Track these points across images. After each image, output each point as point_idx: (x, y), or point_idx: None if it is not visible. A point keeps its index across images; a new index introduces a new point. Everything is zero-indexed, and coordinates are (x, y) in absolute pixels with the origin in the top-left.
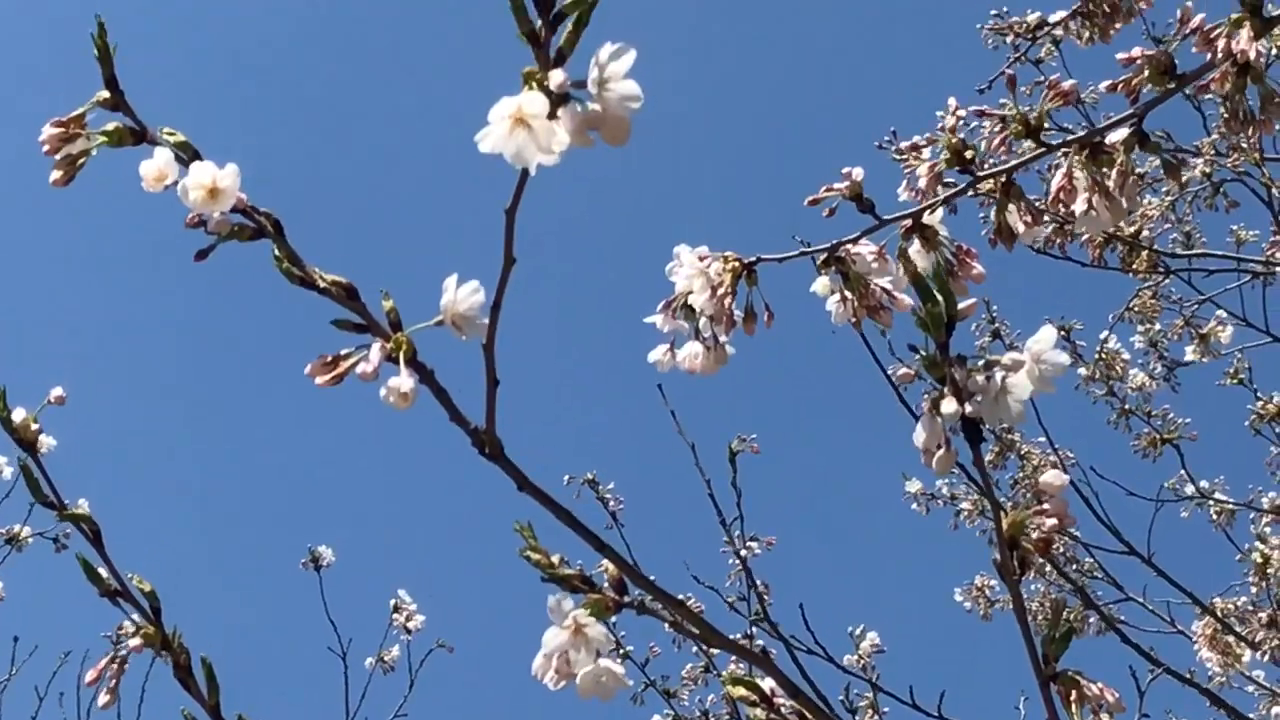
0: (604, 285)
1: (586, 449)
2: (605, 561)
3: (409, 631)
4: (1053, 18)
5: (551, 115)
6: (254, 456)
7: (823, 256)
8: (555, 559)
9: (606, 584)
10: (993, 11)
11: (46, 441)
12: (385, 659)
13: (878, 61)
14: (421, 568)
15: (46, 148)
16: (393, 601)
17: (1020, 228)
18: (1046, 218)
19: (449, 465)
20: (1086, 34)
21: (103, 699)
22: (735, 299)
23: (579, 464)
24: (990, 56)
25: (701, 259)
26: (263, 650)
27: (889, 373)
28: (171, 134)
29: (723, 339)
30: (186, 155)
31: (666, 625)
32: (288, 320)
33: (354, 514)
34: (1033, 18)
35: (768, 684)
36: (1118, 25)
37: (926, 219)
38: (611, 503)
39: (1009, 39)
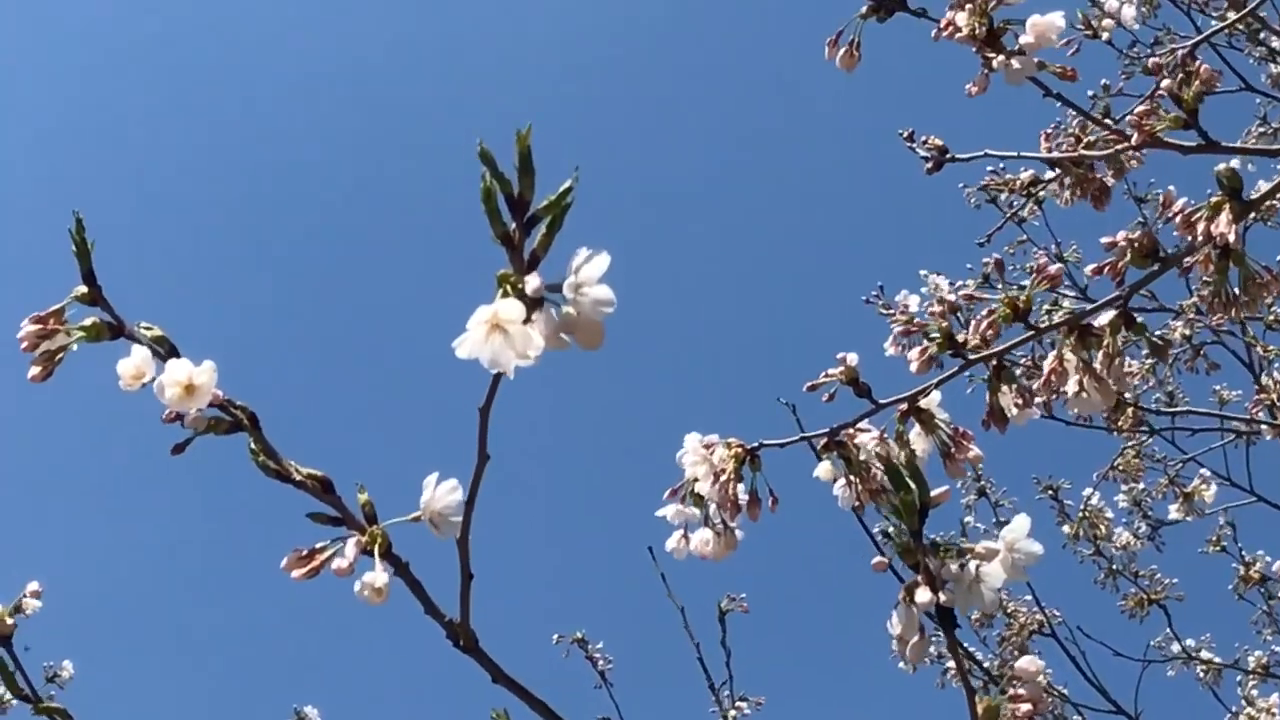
0: (595, 449)
1: (575, 609)
2: None
3: None
4: (1046, 175)
5: (527, 320)
6: (235, 637)
7: (823, 441)
8: None
9: None
10: (989, 169)
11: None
12: None
13: (860, 217)
14: None
15: (25, 344)
16: None
17: (1013, 410)
18: (1037, 400)
19: (425, 656)
20: (1068, 194)
21: None
22: (742, 483)
23: (567, 624)
24: (973, 215)
25: (706, 446)
26: None
27: (884, 551)
28: (149, 329)
29: (731, 524)
30: (163, 350)
31: None
32: (266, 512)
33: (335, 701)
34: (1026, 175)
35: None
36: (1106, 202)
37: (922, 403)
38: (600, 662)
39: (1004, 195)
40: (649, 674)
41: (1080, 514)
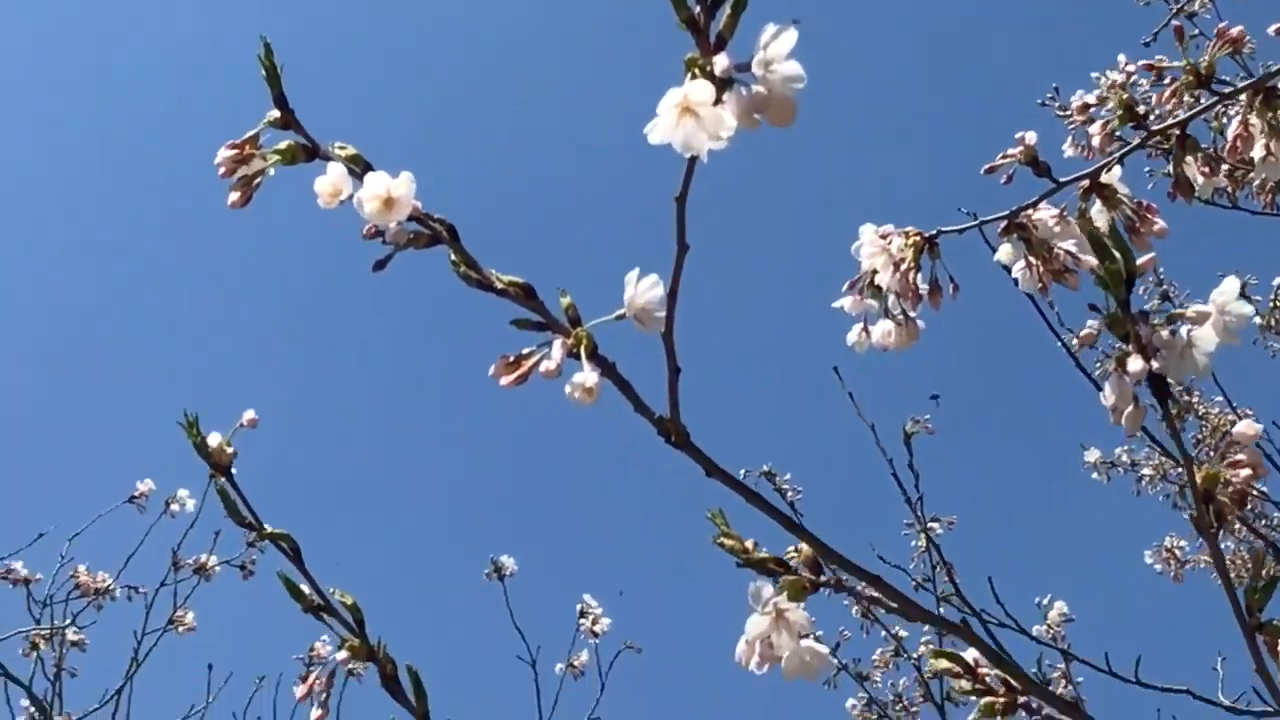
0: (773, 269)
1: (759, 440)
2: (800, 544)
3: (596, 635)
4: None
5: (717, 101)
6: (434, 467)
7: (1003, 224)
8: (748, 544)
9: (801, 565)
10: None
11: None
12: (574, 664)
13: (1034, 21)
14: (604, 570)
15: (222, 170)
16: (579, 606)
17: (1199, 179)
18: (1224, 167)
19: (628, 464)
20: None
21: (315, 714)
22: (919, 273)
23: (753, 456)
24: (1141, 14)
25: (883, 236)
26: (453, 662)
27: (1064, 341)
28: (343, 148)
29: (911, 314)
30: (359, 168)
31: (855, 610)
32: (465, 328)
33: (534, 522)
34: None
35: (970, 655)
36: None
37: (1104, 178)
38: (790, 493)
39: None
40: (837, 502)
41: (1271, 305)
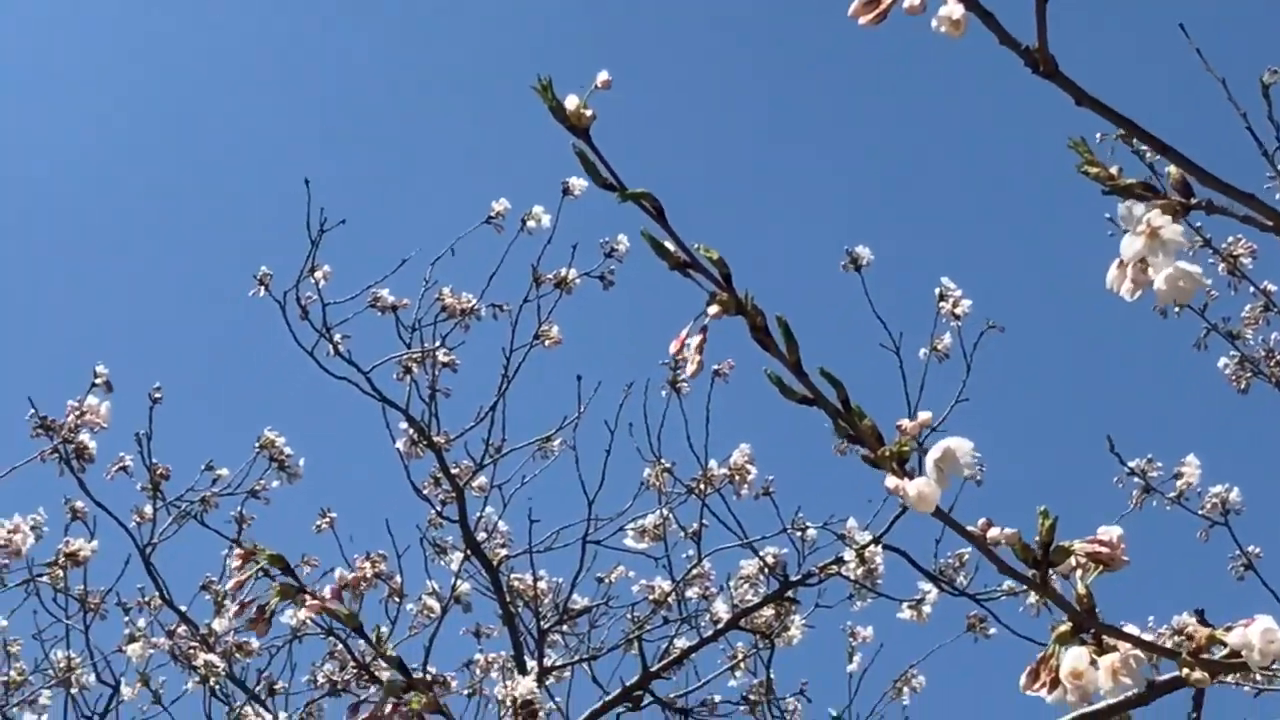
0: None
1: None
2: (1169, 167)
3: (957, 317)
4: None
5: None
6: (785, 152)
7: None
8: (1114, 170)
9: (1170, 188)
10: None
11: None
12: (938, 348)
13: None
14: (962, 251)
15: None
16: (938, 290)
17: None
18: None
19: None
20: None
21: (691, 368)
22: None
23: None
24: None
25: None
26: (816, 355)
27: None
28: None
29: None
30: None
31: (1221, 269)
32: None
33: (886, 207)
34: None
35: None
36: None
37: None
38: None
39: None
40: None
41: None
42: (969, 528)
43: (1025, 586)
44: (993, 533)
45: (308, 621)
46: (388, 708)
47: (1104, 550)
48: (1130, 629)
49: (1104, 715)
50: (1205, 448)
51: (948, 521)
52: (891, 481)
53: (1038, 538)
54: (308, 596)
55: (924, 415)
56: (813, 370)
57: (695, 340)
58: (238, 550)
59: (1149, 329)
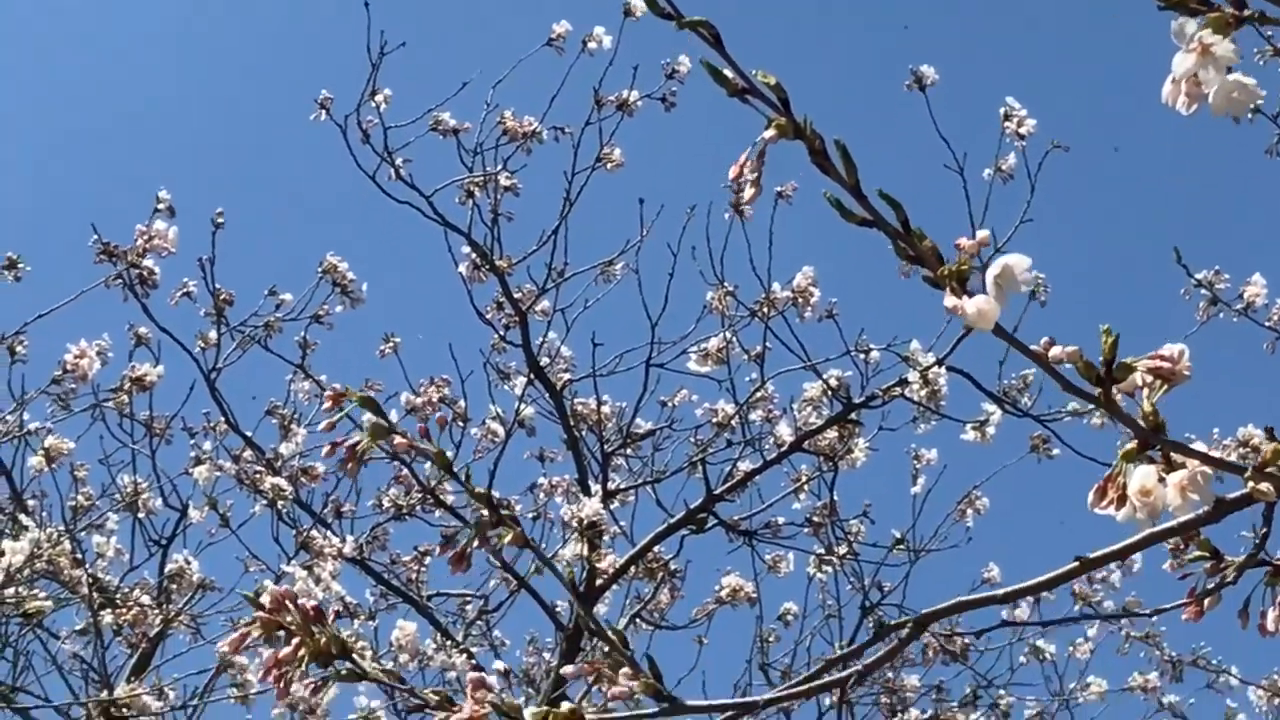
0: None
1: None
2: None
3: (1022, 138)
4: None
5: None
6: None
7: None
8: None
9: (1224, 1)
10: None
11: None
12: (1002, 169)
13: None
14: (1025, 71)
15: None
16: (1002, 110)
17: None
18: None
19: None
20: None
21: (749, 192)
22: None
23: None
24: None
25: None
26: (879, 178)
27: None
28: None
29: None
30: None
31: None
32: None
33: (955, 26)
34: None
35: None
36: None
37: None
38: None
39: None
40: None
41: None
42: (1031, 346)
43: (1090, 407)
44: (1055, 351)
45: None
46: (478, 543)
47: (1166, 366)
48: (1198, 446)
49: (1173, 534)
50: (1275, 258)
51: (1008, 340)
52: (951, 300)
53: (1101, 355)
54: (397, 436)
55: (983, 233)
56: (872, 192)
57: (753, 165)
58: (328, 392)
59: (1219, 139)
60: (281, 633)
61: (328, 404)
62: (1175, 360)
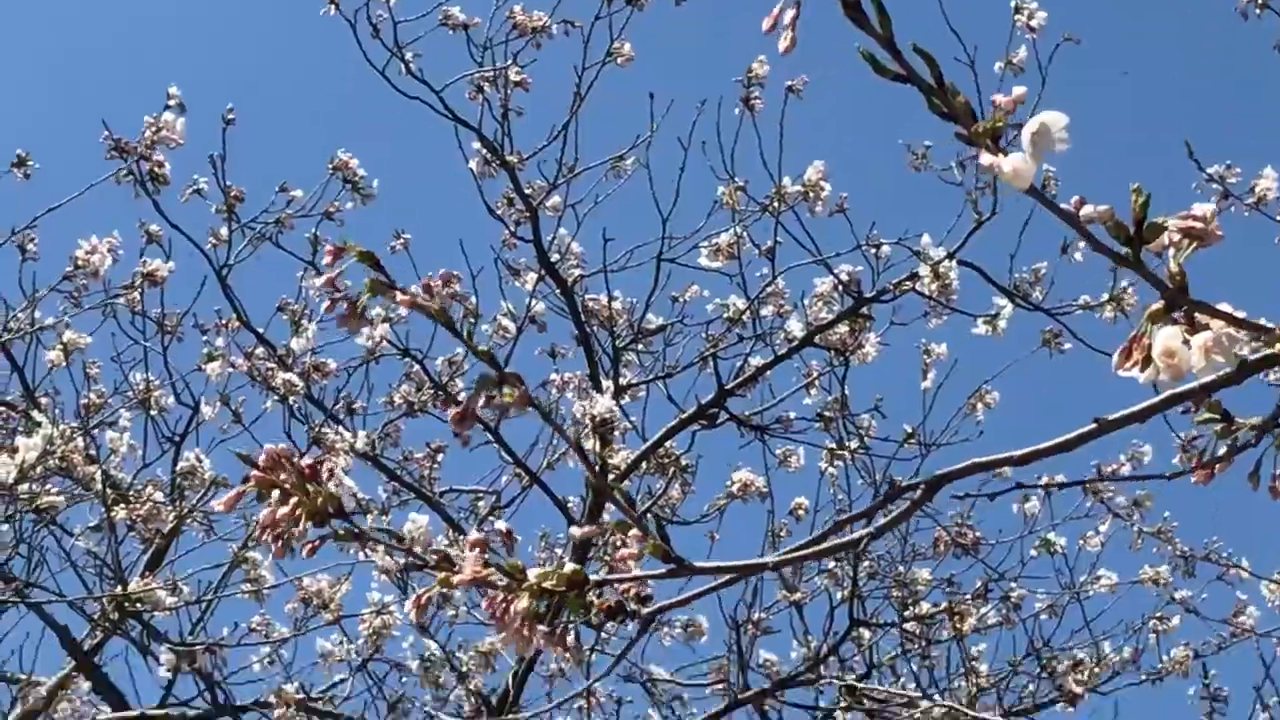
0: None
1: None
2: None
3: (1033, 30)
4: None
5: None
6: None
7: None
8: None
9: None
10: None
11: None
12: (1013, 62)
13: None
14: None
15: None
16: (1013, 2)
17: None
18: None
19: None
20: None
21: (784, 42)
22: None
23: None
24: None
25: None
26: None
27: None
28: None
29: None
30: None
31: None
32: None
33: None
34: None
35: None
36: None
37: None
38: None
39: None
40: None
41: None
42: (1062, 205)
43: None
44: (1086, 210)
45: (384, 342)
46: (481, 401)
47: (1197, 225)
48: (1223, 307)
49: (1193, 395)
50: None
51: (1041, 199)
52: (987, 158)
53: (1131, 215)
54: (398, 293)
55: (1019, 90)
56: (905, 47)
57: (789, 15)
58: (327, 247)
59: (1229, 34)
60: (277, 492)
61: (328, 259)
62: (1207, 220)
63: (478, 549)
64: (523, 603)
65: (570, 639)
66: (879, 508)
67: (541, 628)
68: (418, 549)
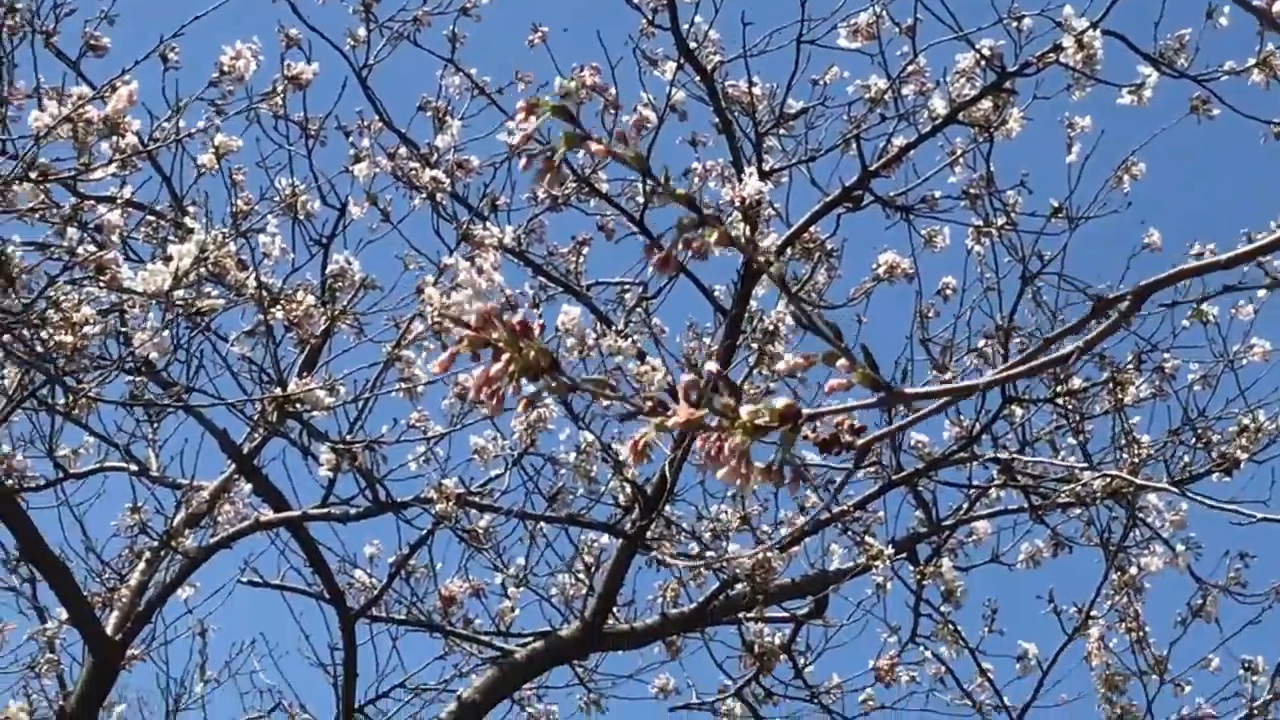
0: None
1: None
2: None
3: None
4: None
5: None
6: None
7: None
8: None
9: None
10: None
11: None
12: None
13: None
14: None
15: None
16: None
17: None
18: None
19: None
20: None
21: None
22: None
23: None
24: None
25: None
26: None
27: None
28: None
29: None
30: None
31: None
32: None
33: None
34: None
35: None
36: None
37: None
38: None
39: None
40: None
41: None
42: None
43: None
44: None
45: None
46: (681, 245)
47: None
48: None
49: None
50: None
51: None
52: None
53: None
54: (592, 143)
55: None
56: None
57: None
58: (519, 104)
59: None
60: (488, 350)
61: (520, 115)
62: None
63: (691, 392)
64: (736, 439)
65: (790, 473)
66: (1086, 321)
67: (758, 463)
68: (571, 341)
